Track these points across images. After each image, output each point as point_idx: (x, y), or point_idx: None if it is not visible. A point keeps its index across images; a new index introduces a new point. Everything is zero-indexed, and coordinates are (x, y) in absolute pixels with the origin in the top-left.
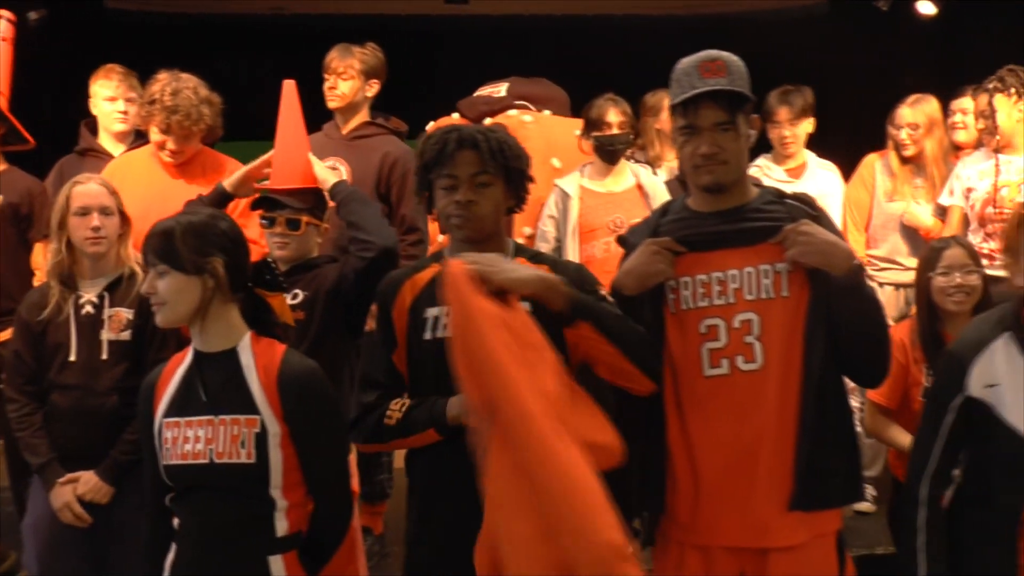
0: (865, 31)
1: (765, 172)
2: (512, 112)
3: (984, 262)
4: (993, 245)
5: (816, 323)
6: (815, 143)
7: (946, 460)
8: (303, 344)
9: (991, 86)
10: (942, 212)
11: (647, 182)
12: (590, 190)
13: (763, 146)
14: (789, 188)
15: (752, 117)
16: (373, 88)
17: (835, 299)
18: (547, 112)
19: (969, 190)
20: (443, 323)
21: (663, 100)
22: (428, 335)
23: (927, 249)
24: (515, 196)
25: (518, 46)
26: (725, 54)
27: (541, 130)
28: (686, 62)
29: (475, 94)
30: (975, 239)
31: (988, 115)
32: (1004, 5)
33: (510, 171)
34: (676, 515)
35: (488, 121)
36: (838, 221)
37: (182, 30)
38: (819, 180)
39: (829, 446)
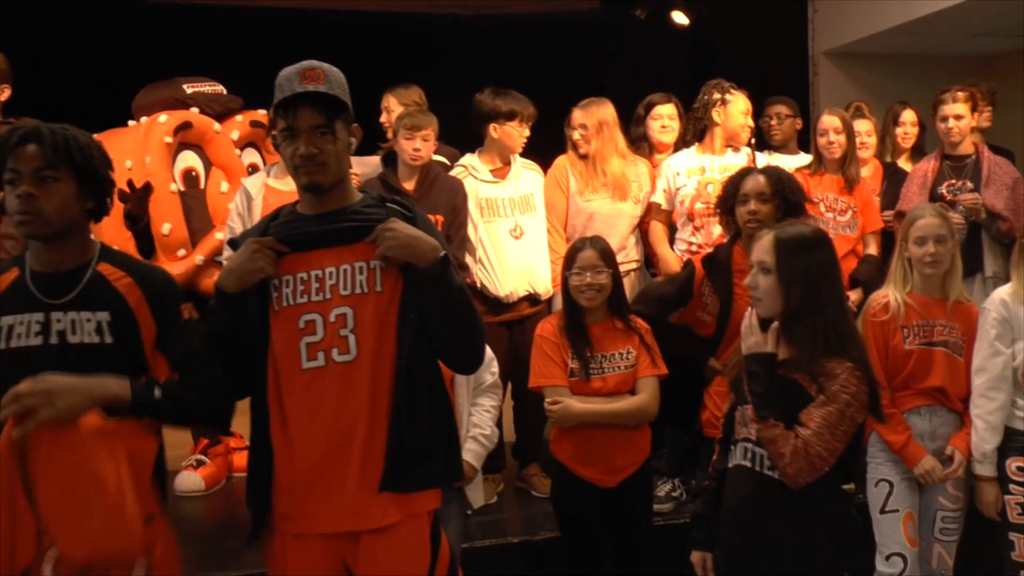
0: (631, 37)
1: (471, 172)
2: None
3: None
4: (700, 239)
5: (407, 315)
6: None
7: None
8: None
9: (715, 96)
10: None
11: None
12: (274, 188)
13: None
14: (499, 189)
15: (353, 126)
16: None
17: (424, 290)
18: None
19: (677, 189)
20: (17, 332)
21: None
22: (2, 344)
23: (569, 248)
24: (94, 198)
25: (292, 39)
26: (326, 65)
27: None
28: (288, 69)
29: (202, 89)
30: (684, 234)
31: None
32: (748, 17)
33: (81, 169)
34: (277, 507)
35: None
36: (543, 212)
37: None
38: (523, 181)
39: (422, 430)
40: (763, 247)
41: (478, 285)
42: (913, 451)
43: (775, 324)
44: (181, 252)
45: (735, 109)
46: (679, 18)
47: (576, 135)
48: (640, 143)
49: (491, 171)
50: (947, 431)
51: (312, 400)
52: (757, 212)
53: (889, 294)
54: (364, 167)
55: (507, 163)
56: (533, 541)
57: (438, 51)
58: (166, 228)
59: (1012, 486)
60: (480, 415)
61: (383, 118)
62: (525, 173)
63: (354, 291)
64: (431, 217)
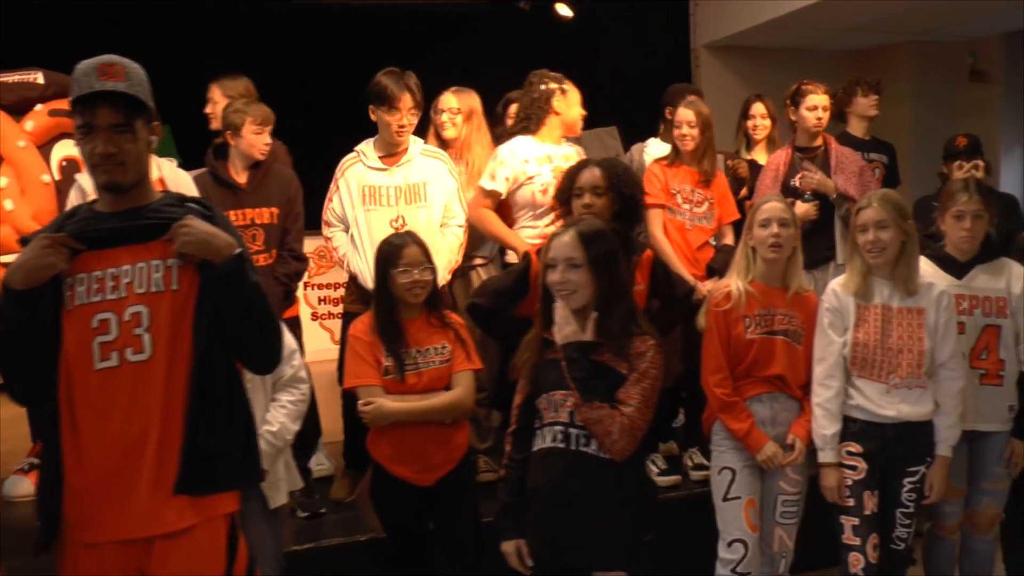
0: (516, 29)
1: (360, 158)
2: None
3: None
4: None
5: (203, 313)
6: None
7: None
8: None
9: (552, 86)
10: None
11: (168, 176)
12: None
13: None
14: (385, 177)
15: (154, 124)
16: None
17: (218, 288)
18: None
19: (529, 177)
20: None
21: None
22: None
23: (385, 244)
24: None
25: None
26: (126, 60)
27: None
28: (86, 63)
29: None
30: (539, 222)
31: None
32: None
33: None
34: (68, 515)
35: None
36: (440, 205)
37: None
38: (417, 169)
39: (219, 431)
40: (568, 244)
41: (357, 276)
42: (756, 438)
43: (594, 313)
44: None
45: (574, 99)
46: (563, 11)
47: (444, 117)
48: (502, 140)
49: (381, 157)
50: (787, 417)
51: (104, 401)
52: (592, 205)
53: (731, 283)
54: None
55: (402, 150)
56: (382, 539)
57: (328, 40)
58: None
59: (844, 470)
60: (275, 411)
61: (208, 108)
62: (423, 161)
63: (150, 289)
64: (265, 210)
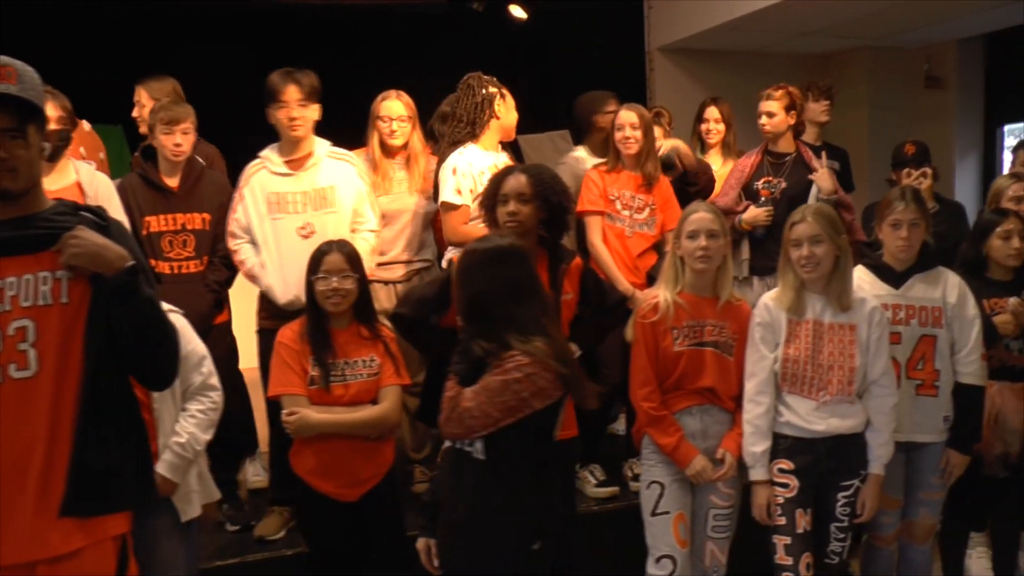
0: (470, 30)
1: (265, 164)
2: None
3: None
4: None
5: (95, 328)
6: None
7: None
8: None
9: (492, 90)
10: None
11: (86, 180)
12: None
13: None
14: (290, 183)
15: (47, 130)
16: None
17: (111, 301)
18: None
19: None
20: None
21: None
22: None
23: (313, 252)
24: None
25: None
26: (18, 62)
27: None
28: None
29: None
30: None
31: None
32: (585, 12)
33: None
34: None
35: None
36: (350, 210)
37: None
38: (324, 173)
39: (109, 449)
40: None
41: (268, 292)
42: (684, 452)
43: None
44: None
45: (511, 103)
46: (517, 12)
47: (393, 126)
48: (440, 144)
49: (286, 162)
50: (719, 430)
51: None
52: (517, 213)
53: (659, 294)
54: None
55: (307, 153)
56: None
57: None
58: None
59: (775, 488)
60: (184, 421)
61: (135, 112)
62: (330, 164)
63: (36, 302)
64: (197, 215)
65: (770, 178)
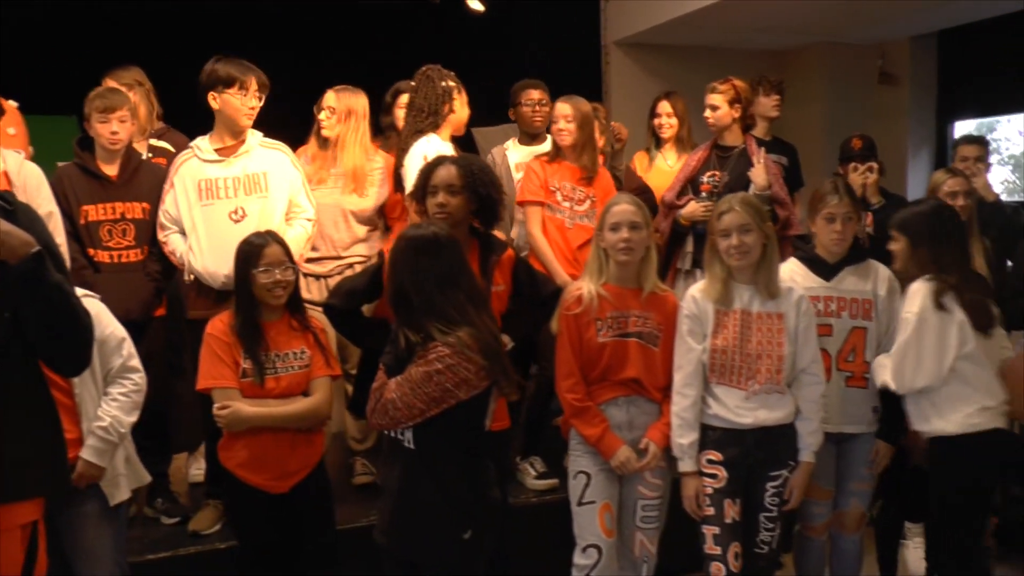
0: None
1: (195, 152)
2: None
3: None
4: None
5: (1, 315)
6: None
7: None
8: None
9: (450, 83)
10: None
11: (13, 168)
12: None
13: None
14: (222, 169)
15: None
16: None
17: (15, 289)
18: None
19: None
20: None
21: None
22: None
23: (245, 244)
24: None
25: None
26: None
27: None
28: None
29: None
30: None
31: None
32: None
33: None
34: None
35: None
36: (283, 198)
37: None
38: (255, 160)
39: (16, 437)
40: None
41: (188, 278)
42: (608, 443)
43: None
44: None
45: (465, 99)
46: (474, 4)
47: (323, 115)
48: (388, 132)
49: (217, 149)
50: (645, 421)
51: None
52: (446, 204)
53: (583, 286)
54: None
55: (239, 140)
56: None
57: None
58: None
59: (704, 479)
60: (106, 405)
61: None
62: (261, 152)
63: None
64: (136, 204)
65: (715, 172)
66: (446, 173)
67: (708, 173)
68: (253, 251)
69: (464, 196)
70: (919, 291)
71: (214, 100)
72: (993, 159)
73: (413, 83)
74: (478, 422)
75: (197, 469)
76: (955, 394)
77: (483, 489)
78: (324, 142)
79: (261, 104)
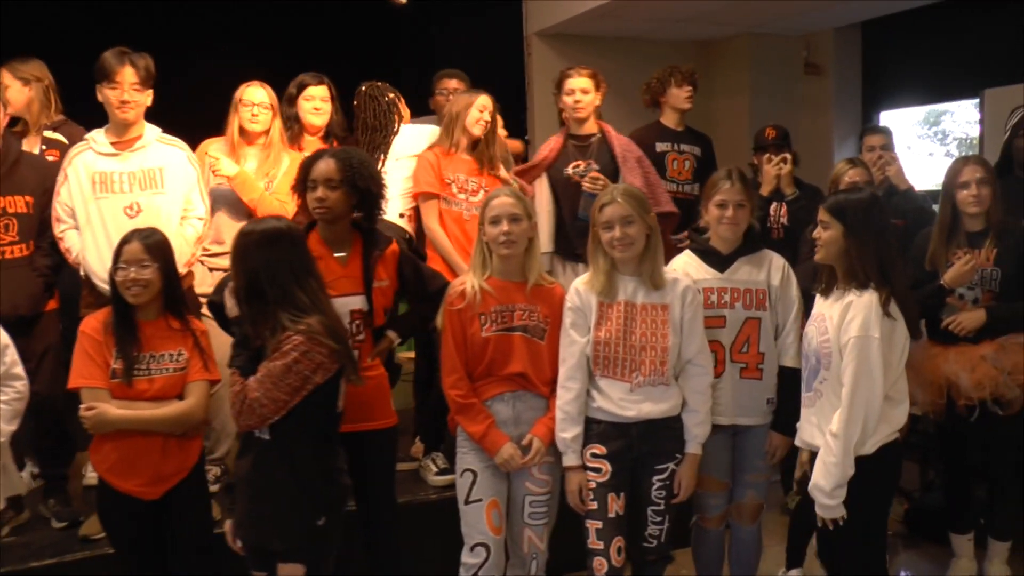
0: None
1: (91, 145)
2: None
3: None
4: None
5: None
6: None
7: None
8: None
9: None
10: None
11: None
12: None
13: None
14: (117, 163)
15: None
16: None
17: None
18: None
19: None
20: None
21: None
22: None
23: (119, 242)
24: None
25: None
26: None
27: None
28: None
29: None
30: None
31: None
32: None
33: None
34: None
35: None
36: (180, 195)
37: None
38: (152, 155)
39: None
40: None
41: (91, 277)
42: (493, 440)
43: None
44: None
45: (404, 103)
46: None
47: (254, 111)
48: (291, 124)
49: (113, 143)
50: (532, 416)
51: None
52: (325, 199)
53: (467, 281)
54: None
55: (136, 135)
56: None
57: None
58: None
59: (588, 473)
60: None
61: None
62: (159, 147)
63: None
64: (18, 198)
65: (579, 163)
66: (325, 167)
67: (571, 165)
68: (117, 247)
69: (343, 190)
70: (865, 306)
71: (100, 93)
72: (941, 149)
73: (355, 102)
74: (331, 405)
75: (92, 471)
76: (882, 415)
77: (334, 474)
78: (245, 134)
79: (145, 97)
